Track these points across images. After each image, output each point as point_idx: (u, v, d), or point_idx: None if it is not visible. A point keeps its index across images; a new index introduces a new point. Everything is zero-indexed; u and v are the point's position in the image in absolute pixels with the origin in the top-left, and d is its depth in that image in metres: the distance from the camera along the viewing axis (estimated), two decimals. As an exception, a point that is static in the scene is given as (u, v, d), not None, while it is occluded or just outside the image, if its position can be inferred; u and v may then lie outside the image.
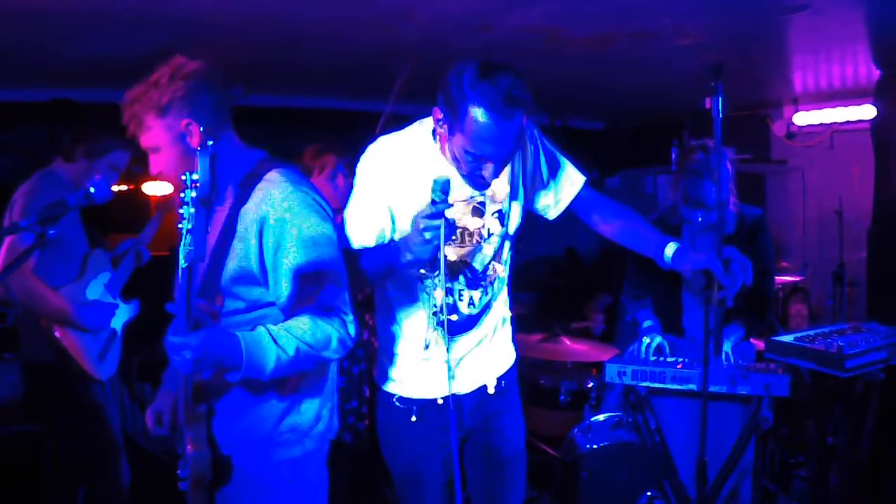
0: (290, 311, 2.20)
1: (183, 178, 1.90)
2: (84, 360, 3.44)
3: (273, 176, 2.24)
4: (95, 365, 3.50)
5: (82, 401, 3.51)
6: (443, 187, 2.18)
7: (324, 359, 2.19)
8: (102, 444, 3.58)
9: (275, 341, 2.08)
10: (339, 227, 2.46)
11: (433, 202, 2.19)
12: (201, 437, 2.26)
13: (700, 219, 3.58)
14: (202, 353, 1.96)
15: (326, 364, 2.32)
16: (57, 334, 3.35)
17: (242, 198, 2.21)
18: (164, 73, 2.20)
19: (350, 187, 3.45)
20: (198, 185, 1.89)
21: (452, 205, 2.24)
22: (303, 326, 2.12)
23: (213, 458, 2.26)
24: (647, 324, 3.73)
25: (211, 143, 1.91)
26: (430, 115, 2.45)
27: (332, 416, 2.47)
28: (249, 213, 2.19)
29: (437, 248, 2.24)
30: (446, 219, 2.21)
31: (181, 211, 1.91)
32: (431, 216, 2.19)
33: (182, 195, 1.89)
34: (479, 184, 2.44)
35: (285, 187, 2.21)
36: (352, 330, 2.22)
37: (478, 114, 2.21)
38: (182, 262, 1.93)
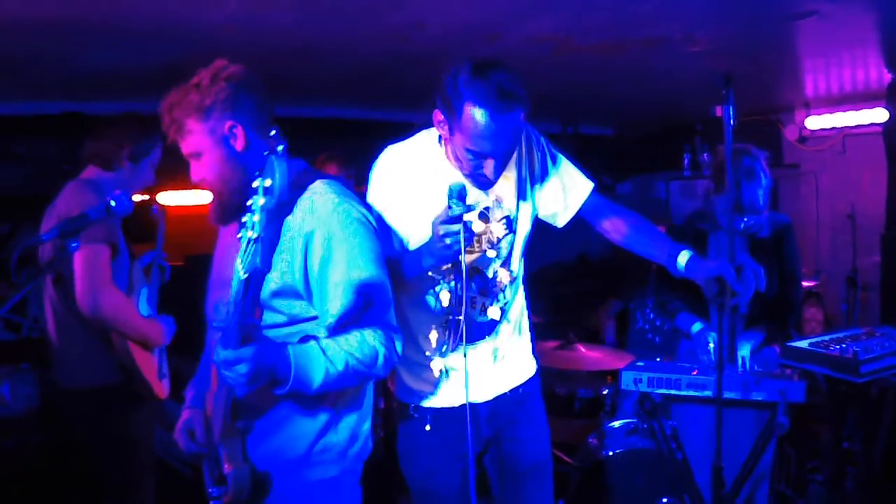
0: (336, 329, 2.14)
1: (255, 184, 1.82)
2: (152, 379, 3.33)
3: (318, 187, 2.20)
4: (158, 383, 3.39)
5: (137, 424, 3.37)
6: (459, 193, 2.22)
7: (370, 375, 2.15)
8: (145, 467, 3.45)
9: (324, 353, 2.05)
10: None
11: (450, 207, 2.22)
12: (237, 454, 2.20)
13: (743, 225, 3.56)
14: (257, 365, 1.93)
15: (371, 380, 2.27)
16: (133, 353, 3.23)
17: (286, 208, 2.15)
18: (205, 75, 2.16)
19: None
20: (270, 190, 1.81)
21: (473, 207, 2.27)
22: (352, 341, 2.09)
23: (252, 472, 2.20)
24: (697, 327, 3.70)
25: (282, 147, 1.84)
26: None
27: (369, 435, 2.41)
28: (294, 225, 2.14)
29: (457, 253, 2.27)
30: (465, 224, 2.24)
31: (244, 219, 1.85)
32: (450, 221, 2.23)
33: (249, 202, 1.82)
34: (482, 182, 2.47)
35: (332, 200, 2.16)
36: (399, 347, 2.20)
37: (474, 111, 2.26)
38: (241, 274, 1.88)
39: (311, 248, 2.12)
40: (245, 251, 1.85)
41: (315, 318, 2.20)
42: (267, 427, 2.24)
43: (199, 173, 2.22)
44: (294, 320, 2.20)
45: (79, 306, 3.06)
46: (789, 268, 3.70)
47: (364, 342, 2.09)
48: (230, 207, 2.19)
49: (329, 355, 2.04)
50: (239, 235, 1.86)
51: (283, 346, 2.04)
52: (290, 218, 2.15)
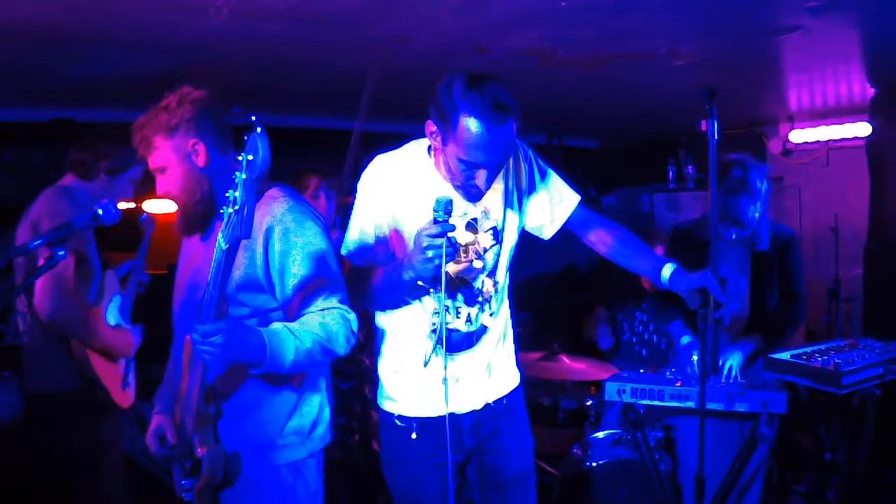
0: (296, 312, 2.33)
1: (239, 158, 1.93)
2: (113, 388, 3.33)
3: (274, 193, 2.42)
4: (120, 393, 3.39)
5: (103, 431, 3.37)
6: (445, 207, 2.23)
7: (334, 352, 2.31)
8: (115, 474, 3.44)
9: (292, 333, 2.21)
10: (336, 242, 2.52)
11: (435, 221, 2.23)
12: (209, 438, 2.35)
13: (734, 236, 3.57)
14: (230, 337, 2.08)
15: (335, 358, 2.39)
16: (92, 361, 3.24)
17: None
18: (173, 99, 2.37)
19: (331, 208, 3.54)
20: (252, 164, 1.92)
21: (454, 227, 2.28)
22: (312, 322, 2.27)
23: (224, 453, 2.35)
24: (685, 340, 3.72)
25: (260, 129, 1.94)
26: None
27: (330, 421, 2.58)
28: (255, 225, 2.23)
29: (439, 268, 2.27)
30: (448, 238, 2.25)
31: (226, 195, 1.95)
32: (434, 234, 2.24)
33: (233, 176, 1.93)
34: (473, 194, 2.49)
35: (286, 202, 2.38)
36: (354, 326, 2.35)
37: (469, 122, 2.28)
38: (222, 244, 2.01)
39: (271, 242, 2.32)
40: (226, 225, 1.97)
41: (277, 309, 2.39)
42: (238, 412, 2.40)
43: (163, 186, 2.43)
44: (257, 312, 2.37)
45: (35, 310, 3.10)
46: (789, 283, 3.65)
47: (325, 322, 2.27)
48: (193, 218, 2.43)
49: (297, 335, 2.21)
50: (222, 211, 1.97)
51: (255, 328, 2.18)
52: None
